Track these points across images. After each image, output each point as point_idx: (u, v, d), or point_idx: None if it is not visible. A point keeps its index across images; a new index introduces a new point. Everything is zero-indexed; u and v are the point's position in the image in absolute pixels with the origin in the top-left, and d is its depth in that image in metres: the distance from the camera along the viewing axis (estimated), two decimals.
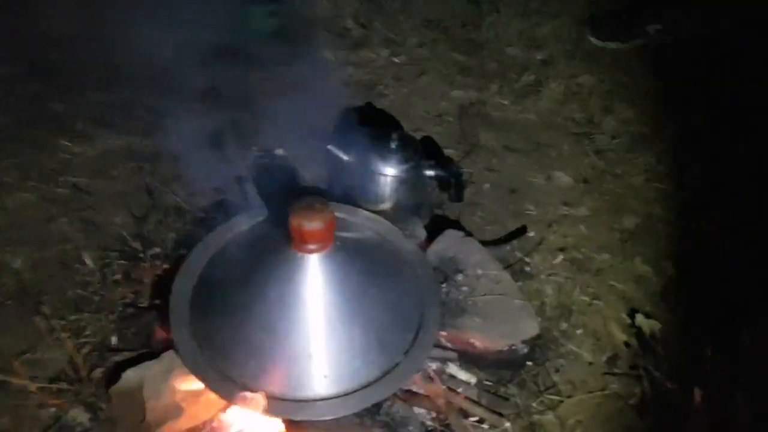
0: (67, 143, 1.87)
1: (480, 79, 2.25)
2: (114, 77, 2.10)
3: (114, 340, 1.42)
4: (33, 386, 1.31)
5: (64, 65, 2.15)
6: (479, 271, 1.43)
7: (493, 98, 2.19)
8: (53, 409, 1.30)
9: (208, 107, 2.00)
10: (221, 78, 2.14)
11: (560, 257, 1.72)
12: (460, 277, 1.43)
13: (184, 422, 1.20)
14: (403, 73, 2.25)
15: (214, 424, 1.21)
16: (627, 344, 1.53)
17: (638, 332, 1.55)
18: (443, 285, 1.42)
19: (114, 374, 1.30)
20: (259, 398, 1.11)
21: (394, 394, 1.26)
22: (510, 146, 2.04)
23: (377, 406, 1.21)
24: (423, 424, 1.29)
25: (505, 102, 2.18)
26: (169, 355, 1.25)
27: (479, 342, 1.36)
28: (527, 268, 1.69)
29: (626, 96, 2.24)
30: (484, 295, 1.39)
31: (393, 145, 1.48)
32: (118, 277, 1.50)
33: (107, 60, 2.14)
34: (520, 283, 1.62)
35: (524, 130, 2.10)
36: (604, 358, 1.52)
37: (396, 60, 2.31)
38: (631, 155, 2.03)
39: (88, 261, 1.53)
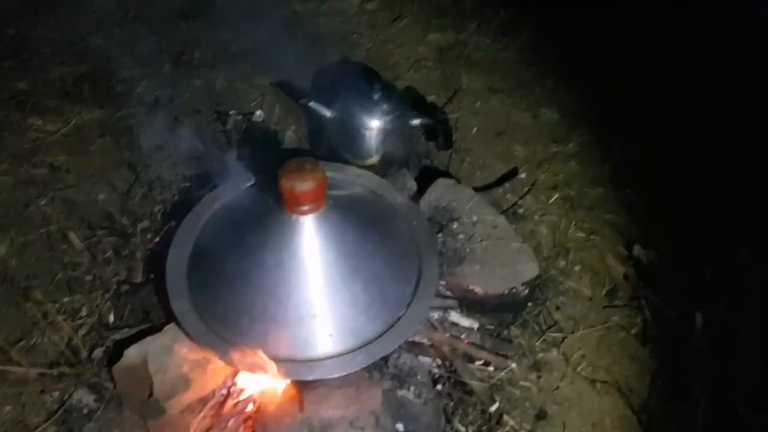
0: (37, 122, 1.80)
1: (457, 19, 2.18)
2: (78, 49, 2.01)
3: (111, 318, 1.39)
4: (33, 373, 1.29)
5: (23, 41, 2.05)
6: (474, 218, 1.42)
7: (472, 38, 2.13)
8: (57, 394, 1.28)
9: (179, 72, 1.94)
10: (190, 40, 2.07)
11: (553, 196, 1.71)
12: (455, 225, 1.41)
13: (194, 393, 1.19)
14: (377, 20, 2.18)
15: (224, 392, 1.21)
16: (626, 276, 1.54)
17: (636, 263, 1.55)
18: (439, 235, 1.41)
19: (115, 352, 1.28)
20: (270, 361, 1.10)
21: (399, 346, 1.26)
22: (493, 87, 2.00)
23: (384, 360, 1.21)
24: (430, 372, 1.30)
25: (486, 40, 2.13)
26: (171, 328, 1.23)
27: (479, 288, 1.36)
28: (521, 210, 1.68)
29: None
30: (481, 241, 1.38)
31: (375, 97, 1.43)
32: (109, 254, 1.47)
33: (69, 32, 2.05)
34: (514, 226, 1.61)
35: (506, 69, 2.06)
36: (603, 292, 1.53)
37: (368, 6, 2.24)
38: (616, 86, 2.00)
39: (75, 241, 1.49)
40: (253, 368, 1.12)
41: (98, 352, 1.33)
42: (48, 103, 1.87)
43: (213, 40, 2.07)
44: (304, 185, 1.11)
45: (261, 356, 1.10)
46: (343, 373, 1.13)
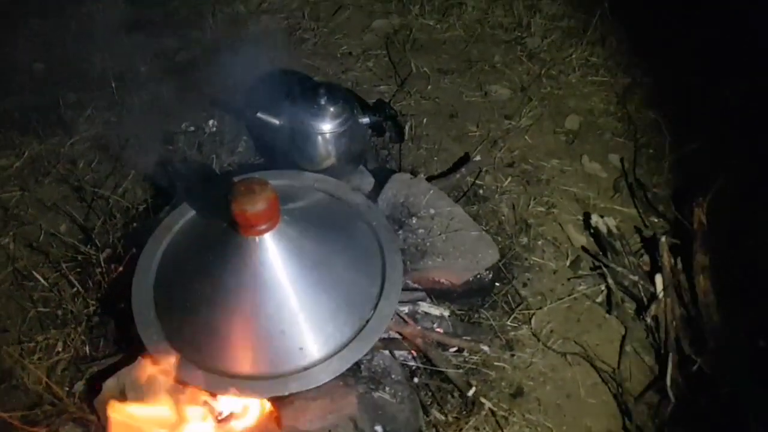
0: None
1: (400, 3, 2.17)
2: (22, 78, 1.98)
3: (87, 350, 1.40)
4: (15, 417, 1.30)
5: None
6: (432, 211, 1.44)
7: (416, 21, 2.13)
8: None
9: (126, 89, 1.91)
10: (135, 54, 2.03)
11: (510, 173, 1.74)
12: (414, 221, 1.43)
13: (173, 417, 1.22)
14: (320, 12, 2.16)
15: (202, 414, 1.24)
16: (584, 247, 1.57)
17: (595, 232, 1.59)
18: (399, 232, 1.43)
19: (94, 385, 1.30)
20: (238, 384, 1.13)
21: (376, 346, 1.29)
22: (443, 68, 2.00)
23: (357, 364, 1.24)
24: (405, 368, 1.33)
25: (430, 22, 2.12)
26: (143, 359, 1.24)
27: (444, 279, 1.39)
28: (480, 191, 1.70)
29: None
30: (440, 234, 1.40)
31: (321, 101, 1.43)
32: (76, 288, 1.47)
33: (9, 60, 2.01)
34: (475, 207, 1.64)
35: (454, 48, 2.06)
36: (567, 264, 1.57)
37: None
38: (563, 53, 2.02)
39: (41, 278, 1.49)
40: (226, 391, 1.14)
41: (78, 386, 1.35)
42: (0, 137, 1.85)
43: (158, 52, 2.04)
44: (255, 207, 1.11)
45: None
46: (317, 385, 1.16)
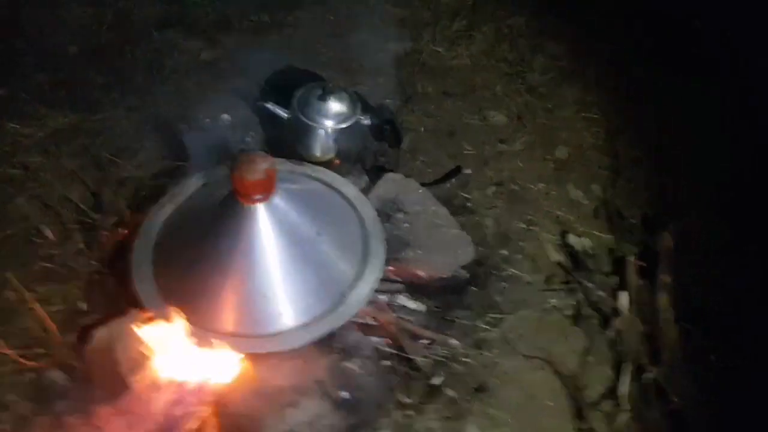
0: (15, 126, 1.91)
1: (414, 29, 2.32)
2: (57, 58, 2.12)
3: (83, 306, 1.50)
4: (11, 353, 1.39)
5: (5, 50, 2.15)
6: (418, 208, 1.55)
7: (427, 46, 2.27)
8: (32, 374, 1.38)
9: (150, 80, 2.05)
10: (162, 49, 2.18)
11: (498, 190, 1.84)
12: (400, 215, 1.54)
13: (156, 369, 1.30)
14: (339, 29, 2.31)
15: (186, 368, 1.32)
16: (559, 264, 1.67)
17: (571, 251, 1.68)
18: (386, 224, 1.53)
19: (85, 336, 1.38)
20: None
21: (352, 326, 1.38)
22: (447, 91, 2.13)
23: (331, 336, 1.33)
24: (378, 350, 1.41)
25: (439, 49, 2.26)
26: (136, 311, 1.34)
27: (423, 272, 1.48)
28: (468, 204, 1.81)
29: (554, 34, 2.34)
30: (423, 229, 1.50)
31: (327, 99, 1.56)
32: (81, 246, 1.57)
33: (48, 42, 2.16)
34: (462, 218, 1.74)
35: (459, 75, 2.19)
36: (542, 278, 1.66)
37: (332, 18, 2.37)
38: (560, 90, 2.15)
39: (50, 234, 1.60)
40: (206, 344, 1.23)
41: (71, 336, 1.44)
42: (27, 108, 1.98)
43: (184, 49, 2.19)
44: (253, 176, 1.23)
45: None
46: (291, 347, 1.25)
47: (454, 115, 2.06)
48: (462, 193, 1.81)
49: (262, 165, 1.23)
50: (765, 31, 1.99)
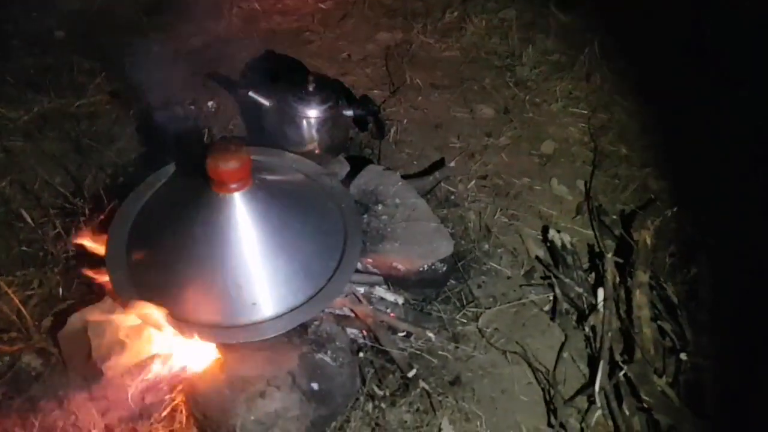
0: (0, 109, 1.91)
1: (405, 20, 2.31)
2: (44, 42, 2.12)
3: (59, 291, 1.50)
4: None
5: None
6: (397, 201, 1.54)
7: (418, 38, 2.26)
8: (7, 358, 1.39)
9: (136, 65, 2.04)
10: (151, 35, 2.17)
11: (482, 184, 1.84)
12: (379, 207, 1.53)
13: (129, 357, 1.30)
14: (329, 19, 2.30)
15: (158, 356, 1.33)
16: (538, 258, 1.66)
17: (551, 246, 1.68)
18: (365, 216, 1.53)
19: (60, 322, 1.39)
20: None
21: (327, 317, 1.38)
22: (435, 83, 2.12)
23: (304, 327, 1.32)
24: (350, 340, 1.41)
25: (430, 41, 2.25)
26: (110, 298, 1.34)
27: (401, 264, 1.48)
28: (452, 197, 1.81)
29: (545, 27, 2.33)
30: (402, 221, 1.50)
31: (310, 88, 1.55)
32: (59, 231, 1.57)
33: (36, 26, 2.15)
34: (445, 211, 1.74)
35: (449, 67, 2.18)
36: (521, 272, 1.66)
37: (322, 6, 2.36)
38: (549, 84, 2.14)
39: (29, 219, 1.60)
40: (181, 333, 1.23)
41: (46, 322, 1.45)
42: (12, 92, 1.97)
43: (173, 35, 2.18)
44: (227, 165, 1.22)
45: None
46: (263, 338, 1.24)
47: (441, 107, 2.05)
48: (446, 186, 1.81)
49: (237, 153, 1.22)
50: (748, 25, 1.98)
